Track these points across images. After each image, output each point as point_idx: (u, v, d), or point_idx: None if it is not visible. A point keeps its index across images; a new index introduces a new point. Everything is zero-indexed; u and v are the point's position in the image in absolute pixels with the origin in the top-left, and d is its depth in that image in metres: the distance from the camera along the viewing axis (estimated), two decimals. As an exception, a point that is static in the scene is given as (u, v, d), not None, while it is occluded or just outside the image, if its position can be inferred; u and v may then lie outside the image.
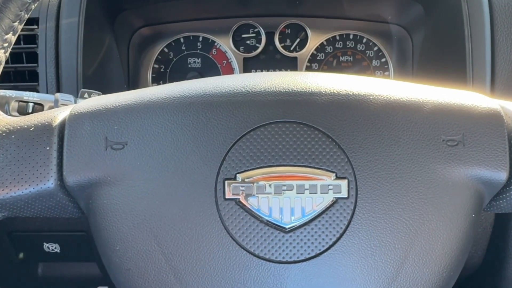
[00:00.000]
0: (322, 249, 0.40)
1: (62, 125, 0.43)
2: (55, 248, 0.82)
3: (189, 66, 0.92)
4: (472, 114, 0.43)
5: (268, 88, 0.43)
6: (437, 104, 0.43)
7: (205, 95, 0.43)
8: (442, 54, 0.81)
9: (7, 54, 0.44)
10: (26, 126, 0.43)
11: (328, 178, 0.41)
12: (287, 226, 0.41)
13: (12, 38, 0.43)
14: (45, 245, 0.82)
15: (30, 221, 0.77)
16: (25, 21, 0.44)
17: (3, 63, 0.43)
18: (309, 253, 0.40)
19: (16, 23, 0.43)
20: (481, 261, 0.81)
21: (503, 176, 0.42)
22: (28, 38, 0.76)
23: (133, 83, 0.91)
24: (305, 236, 0.40)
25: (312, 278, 0.40)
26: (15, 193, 0.42)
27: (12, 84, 0.75)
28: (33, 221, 0.77)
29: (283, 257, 0.40)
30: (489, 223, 0.77)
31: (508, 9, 0.71)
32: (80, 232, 0.79)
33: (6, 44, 0.43)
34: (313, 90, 0.43)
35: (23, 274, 0.89)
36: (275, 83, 0.43)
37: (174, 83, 0.46)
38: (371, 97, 0.43)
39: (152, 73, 0.92)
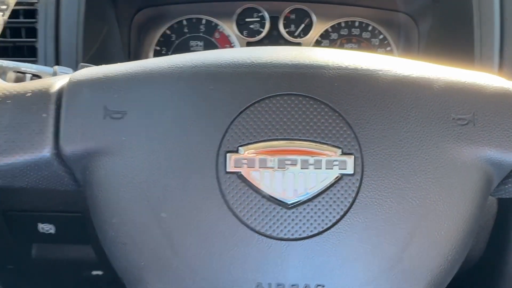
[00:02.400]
0: (325, 226, 0.39)
1: (60, 93, 0.42)
2: (50, 229, 0.81)
3: (191, 49, 0.91)
4: (483, 93, 0.41)
5: (274, 61, 0.42)
6: (448, 82, 0.42)
7: (208, 66, 0.42)
8: (449, 42, 0.79)
9: (6, 17, 0.42)
10: (22, 92, 0.41)
11: (334, 154, 0.39)
12: (289, 202, 0.39)
13: (11, 0, 0.42)
14: (40, 225, 0.81)
15: (25, 199, 0.75)
16: None
17: (2, 26, 0.42)
18: (311, 231, 0.39)
19: None
20: (481, 255, 0.80)
21: None
22: (27, 13, 0.75)
23: (133, 65, 0.89)
24: (308, 213, 0.39)
25: (314, 256, 0.39)
26: (9, 160, 0.40)
27: (10, 58, 0.74)
28: (28, 200, 0.76)
29: (285, 234, 0.39)
30: (491, 216, 0.76)
31: (518, -4, 0.70)
32: (76, 213, 0.78)
33: (4, 7, 0.42)
34: (320, 63, 0.41)
35: (16, 255, 0.87)
36: (281, 55, 0.42)
37: (177, 54, 0.45)
38: (380, 73, 0.41)
39: (153, 55, 0.91)
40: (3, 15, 0.42)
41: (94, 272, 0.99)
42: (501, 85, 0.42)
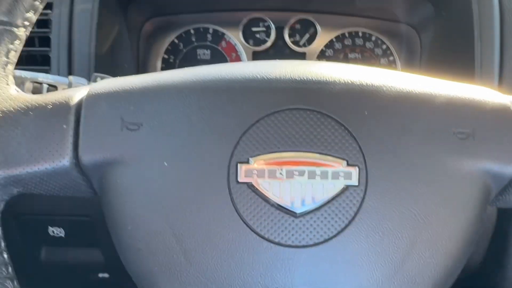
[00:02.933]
0: (331, 235, 0.41)
1: (79, 105, 0.44)
2: (60, 232, 0.83)
3: (199, 57, 0.93)
4: (483, 108, 0.43)
5: (284, 76, 0.44)
6: (449, 97, 0.44)
7: (221, 80, 0.44)
8: (451, 54, 0.81)
9: (28, 33, 0.44)
10: (44, 104, 0.43)
11: (339, 165, 0.41)
12: (297, 211, 0.41)
13: (33, 17, 0.44)
14: (50, 229, 0.83)
15: (37, 203, 0.77)
16: (46, 1, 0.45)
17: (23, 42, 0.44)
18: (318, 239, 0.41)
19: (37, 2, 0.43)
20: (481, 260, 0.82)
21: (511, 170, 0.43)
22: (41, 23, 0.77)
23: (142, 73, 0.91)
24: (314, 221, 0.41)
25: (320, 263, 0.41)
26: (31, 169, 0.42)
27: (24, 67, 0.76)
28: (39, 204, 0.78)
29: (293, 242, 0.41)
30: (491, 223, 0.78)
31: (518, 11, 0.72)
32: (84, 216, 0.80)
33: (27, 23, 0.44)
34: (327, 79, 0.43)
35: (26, 258, 0.89)
36: (290, 70, 0.44)
37: (191, 67, 0.47)
38: (384, 88, 0.43)
39: (161, 63, 0.93)
40: (25, 31, 0.44)
41: (101, 275, 1.01)
42: (500, 101, 0.44)
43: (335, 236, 0.41)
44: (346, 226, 0.41)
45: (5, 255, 0.44)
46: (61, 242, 0.84)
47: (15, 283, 0.44)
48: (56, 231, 0.83)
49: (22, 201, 0.76)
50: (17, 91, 0.45)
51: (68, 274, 0.97)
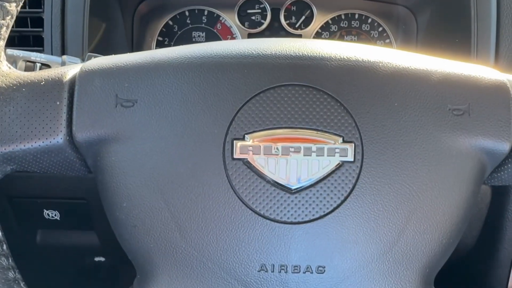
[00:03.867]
0: (327, 211, 0.41)
1: (73, 81, 0.43)
2: (55, 215, 0.83)
3: (194, 40, 0.92)
4: (478, 85, 0.43)
5: (279, 52, 0.43)
6: (445, 74, 0.43)
7: (216, 56, 0.43)
8: (447, 35, 0.81)
9: (19, 8, 0.44)
10: (36, 81, 0.43)
11: (335, 142, 0.41)
12: (293, 187, 0.41)
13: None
14: (45, 211, 0.82)
15: (32, 186, 0.77)
16: None
17: (14, 17, 0.43)
18: (313, 215, 0.41)
19: None
20: (474, 243, 0.82)
21: (506, 147, 0.43)
22: (33, 3, 0.76)
23: (137, 55, 0.90)
24: (310, 198, 0.41)
25: (315, 239, 0.41)
26: (24, 146, 0.42)
27: (17, 48, 0.75)
28: (34, 186, 0.77)
29: (288, 218, 0.41)
30: (485, 205, 0.78)
31: (515, -10, 0.72)
32: (80, 200, 0.80)
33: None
34: (323, 55, 0.43)
35: (22, 241, 0.89)
36: (286, 47, 0.44)
37: (185, 45, 0.47)
38: (380, 64, 0.43)
39: (156, 46, 0.92)
40: (16, 6, 0.43)
41: (97, 258, 1.01)
42: (495, 77, 0.44)
43: (330, 212, 0.41)
44: (342, 202, 0.41)
45: None
46: (56, 225, 0.84)
47: (10, 260, 0.44)
48: (52, 214, 0.83)
49: (17, 184, 0.76)
50: (9, 67, 0.44)
51: (64, 257, 0.97)
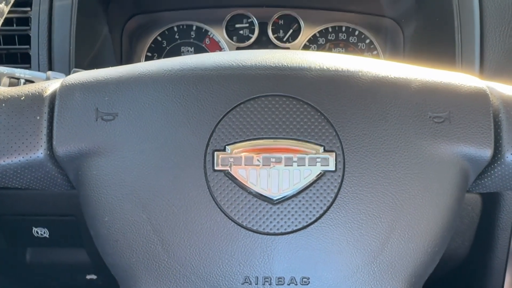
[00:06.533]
0: (309, 221, 0.41)
1: (53, 96, 0.43)
2: (44, 232, 0.82)
3: (182, 54, 0.93)
4: (459, 92, 0.43)
5: (259, 63, 0.43)
6: (425, 82, 0.44)
7: (196, 69, 0.43)
8: (433, 46, 0.82)
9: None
10: (16, 96, 0.43)
11: (316, 151, 0.41)
12: (275, 198, 0.41)
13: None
14: (34, 229, 0.82)
15: (19, 203, 0.76)
16: None
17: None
18: (296, 225, 0.41)
19: None
20: (467, 253, 0.82)
21: (487, 153, 0.43)
22: (21, 20, 0.76)
23: (125, 70, 0.90)
24: (292, 208, 0.41)
25: (298, 250, 0.41)
26: (4, 161, 0.42)
27: (4, 65, 0.75)
28: (22, 204, 0.77)
29: (271, 229, 0.41)
30: (475, 214, 0.78)
31: (497, 0, 0.73)
32: (69, 216, 0.79)
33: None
34: (303, 65, 0.43)
35: (11, 260, 0.88)
36: (265, 58, 0.44)
37: (166, 58, 0.47)
38: (360, 73, 0.43)
39: (145, 61, 0.92)
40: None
41: (88, 276, 1.00)
42: (475, 84, 0.44)
43: (313, 222, 0.41)
44: (324, 212, 0.41)
45: None
46: (46, 242, 0.83)
47: None
48: (41, 232, 0.82)
49: (4, 201, 0.76)
50: None
51: (55, 276, 0.96)
